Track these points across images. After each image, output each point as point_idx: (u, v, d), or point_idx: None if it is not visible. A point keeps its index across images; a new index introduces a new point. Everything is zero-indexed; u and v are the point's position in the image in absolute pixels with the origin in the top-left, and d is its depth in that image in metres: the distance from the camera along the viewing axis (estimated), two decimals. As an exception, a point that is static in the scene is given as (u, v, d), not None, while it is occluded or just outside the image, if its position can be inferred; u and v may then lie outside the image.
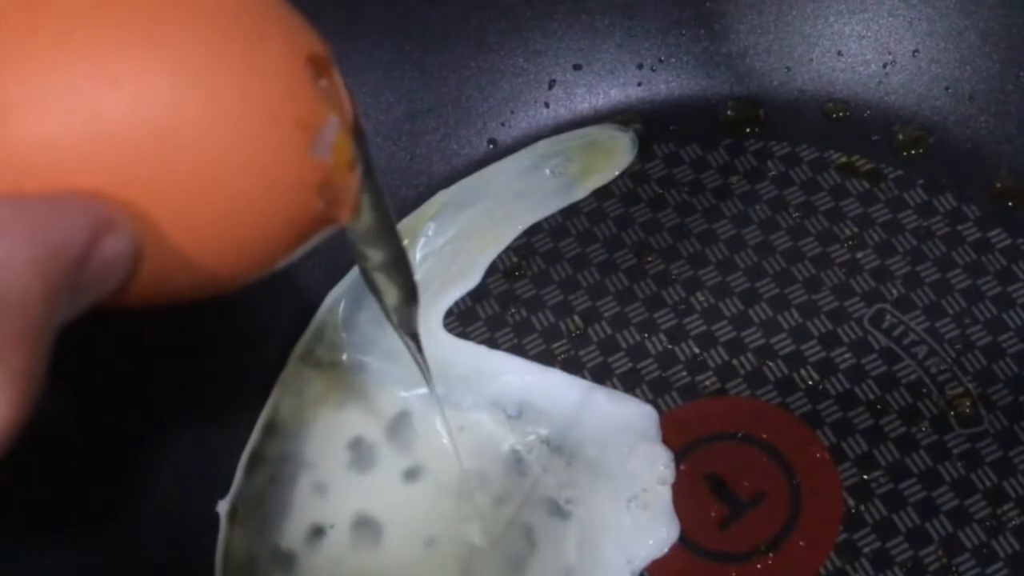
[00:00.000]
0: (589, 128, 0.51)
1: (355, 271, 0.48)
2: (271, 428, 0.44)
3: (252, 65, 0.23)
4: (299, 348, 0.46)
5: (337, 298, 0.47)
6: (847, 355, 0.45)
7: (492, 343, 0.46)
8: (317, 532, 0.42)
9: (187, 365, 0.43)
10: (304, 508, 0.42)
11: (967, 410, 0.43)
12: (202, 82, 0.23)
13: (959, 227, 0.47)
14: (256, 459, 0.44)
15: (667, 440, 0.43)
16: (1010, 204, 0.47)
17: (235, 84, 0.23)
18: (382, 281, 0.32)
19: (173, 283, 0.24)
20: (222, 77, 0.23)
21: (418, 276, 0.47)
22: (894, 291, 0.46)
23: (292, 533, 0.42)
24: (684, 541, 0.41)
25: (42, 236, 0.21)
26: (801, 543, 0.41)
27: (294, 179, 0.24)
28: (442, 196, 0.49)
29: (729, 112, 0.51)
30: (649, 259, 0.47)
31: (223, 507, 0.43)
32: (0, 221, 0.20)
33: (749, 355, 0.45)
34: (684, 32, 0.51)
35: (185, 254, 0.23)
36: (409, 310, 0.34)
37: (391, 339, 0.46)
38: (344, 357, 0.46)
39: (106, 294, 0.23)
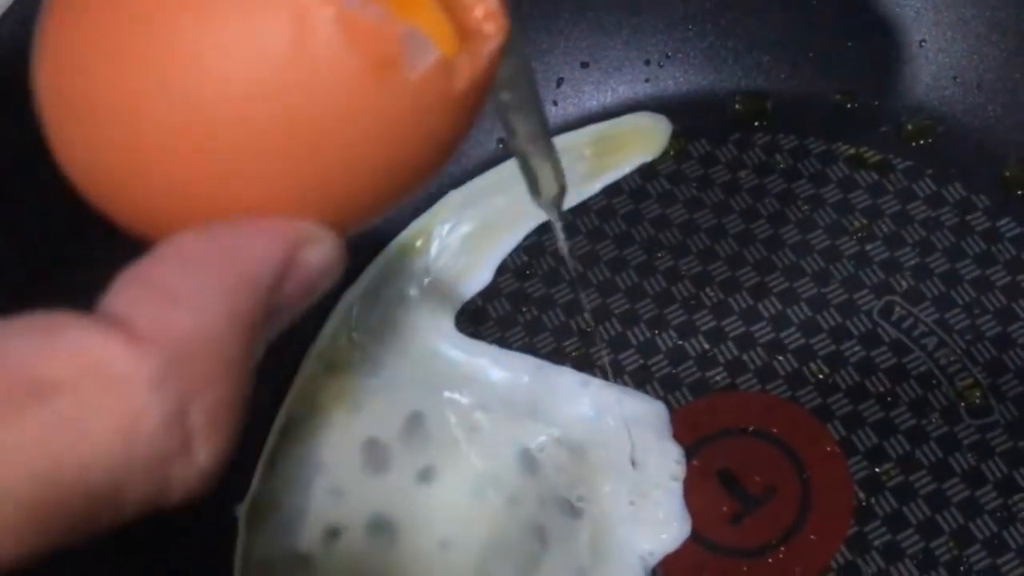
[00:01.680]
0: (605, 123, 0.51)
1: (369, 273, 0.48)
2: (287, 431, 0.45)
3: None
4: (314, 351, 0.46)
5: (351, 300, 0.48)
6: (857, 348, 0.45)
7: (503, 342, 0.46)
8: (333, 534, 0.43)
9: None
10: (320, 510, 0.43)
11: (977, 401, 0.43)
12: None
13: (968, 217, 0.47)
14: (273, 462, 0.44)
15: (678, 436, 0.44)
16: (1019, 193, 0.47)
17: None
18: (534, 161, 0.30)
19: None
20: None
21: (430, 277, 0.48)
22: (903, 283, 0.46)
23: (308, 535, 0.43)
24: (696, 537, 0.42)
25: (232, 271, 0.20)
26: (812, 537, 0.41)
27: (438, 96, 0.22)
28: (453, 196, 0.50)
29: (737, 106, 0.51)
30: (659, 255, 0.48)
31: (241, 511, 0.43)
32: (194, 261, 0.20)
33: (759, 350, 0.45)
34: (690, 27, 0.51)
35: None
36: (560, 196, 0.32)
37: (405, 340, 0.46)
38: (358, 359, 0.46)
39: (310, 304, 0.22)
